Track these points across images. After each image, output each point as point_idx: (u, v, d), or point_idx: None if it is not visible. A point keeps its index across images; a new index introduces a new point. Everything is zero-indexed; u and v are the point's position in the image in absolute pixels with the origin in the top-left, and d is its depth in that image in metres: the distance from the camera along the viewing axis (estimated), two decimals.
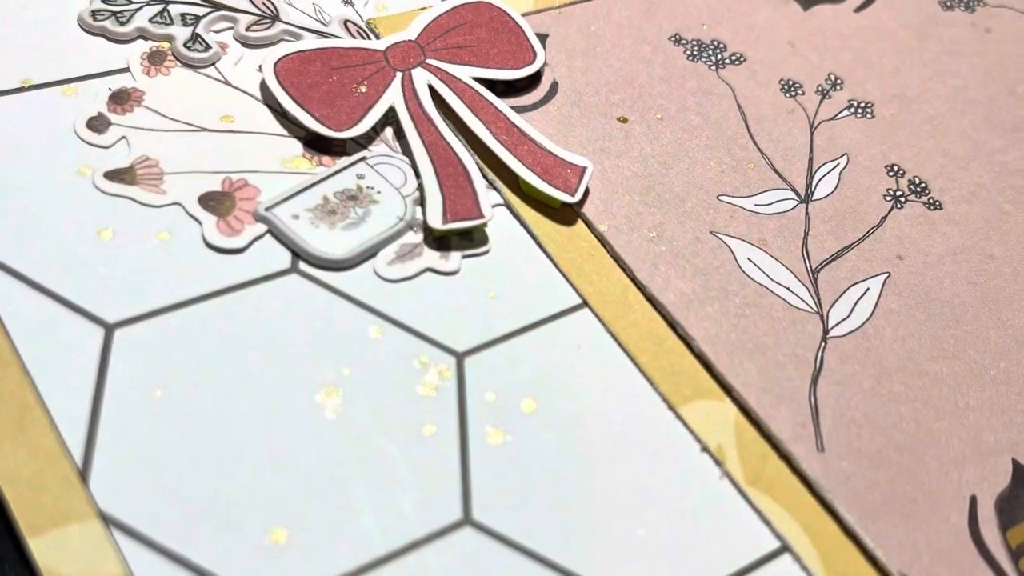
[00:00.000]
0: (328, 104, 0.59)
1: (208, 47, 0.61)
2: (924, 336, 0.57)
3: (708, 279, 0.57)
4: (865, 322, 0.57)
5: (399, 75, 0.61)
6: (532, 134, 0.60)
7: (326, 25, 0.64)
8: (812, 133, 0.65)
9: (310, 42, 0.61)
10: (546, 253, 0.57)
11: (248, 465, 0.47)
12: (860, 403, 0.54)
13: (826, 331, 0.56)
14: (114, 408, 0.47)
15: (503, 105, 0.61)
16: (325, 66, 0.60)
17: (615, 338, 0.54)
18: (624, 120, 0.63)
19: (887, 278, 0.59)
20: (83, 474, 0.45)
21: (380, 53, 0.62)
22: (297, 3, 0.65)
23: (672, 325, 0.55)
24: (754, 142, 0.64)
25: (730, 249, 0.58)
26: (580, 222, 0.58)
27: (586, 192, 0.59)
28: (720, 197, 0.61)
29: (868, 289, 0.58)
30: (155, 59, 0.60)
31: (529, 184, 0.58)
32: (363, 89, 0.60)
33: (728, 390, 0.53)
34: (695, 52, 0.68)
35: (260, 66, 0.61)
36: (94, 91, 0.58)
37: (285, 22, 0.63)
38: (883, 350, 0.56)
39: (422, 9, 0.67)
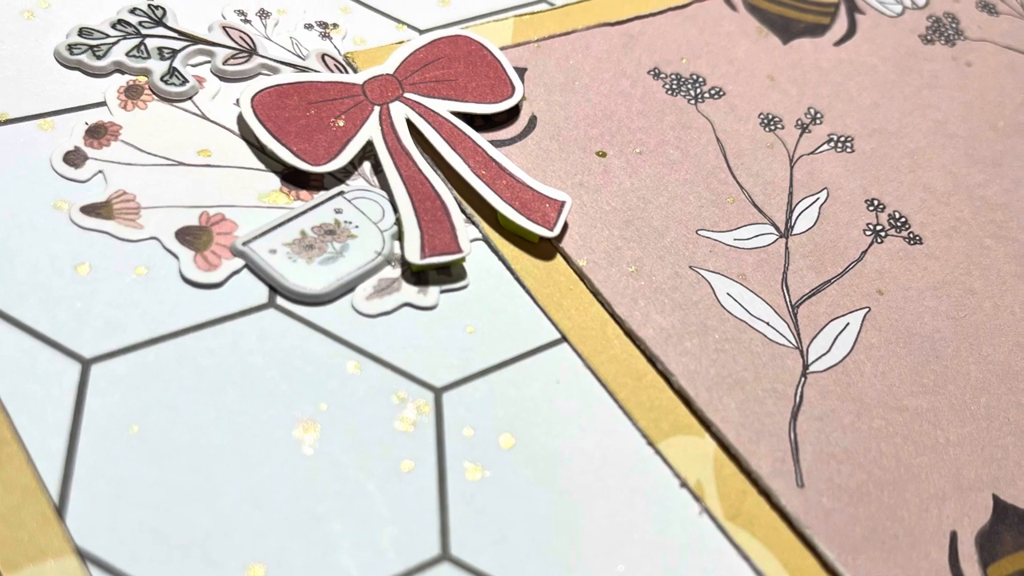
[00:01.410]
0: (305, 138, 0.59)
1: (185, 81, 0.62)
2: (904, 371, 0.58)
3: (687, 314, 0.58)
4: (845, 357, 0.58)
5: (377, 109, 0.62)
6: (510, 168, 0.60)
7: (304, 59, 0.65)
8: (792, 167, 0.66)
9: (287, 76, 0.62)
10: (524, 288, 0.57)
11: (225, 501, 0.47)
12: (840, 438, 0.55)
13: (806, 366, 0.57)
14: (91, 443, 0.48)
15: (481, 139, 0.61)
16: (302, 100, 0.61)
17: (594, 373, 0.55)
18: (603, 154, 0.64)
19: (867, 313, 0.60)
20: (59, 510, 0.46)
21: (358, 87, 0.63)
22: (274, 37, 0.66)
23: (651, 360, 0.56)
24: (733, 176, 0.65)
25: (709, 284, 0.59)
26: (559, 256, 0.59)
27: (565, 226, 0.60)
28: (699, 232, 0.61)
29: (848, 324, 0.59)
30: (132, 93, 0.61)
31: (507, 218, 0.59)
32: (341, 123, 0.61)
33: (707, 425, 0.54)
34: (674, 86, 0.69)
35: (237, 100, 0.62)
36: (71, 125, 0.59)
37: (262, 56, 0.64)
38: (863, 385, 0.57)
39: (400, 43, 0.67)
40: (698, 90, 0.70)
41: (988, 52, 0.79)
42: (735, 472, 0.53)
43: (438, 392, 0.53)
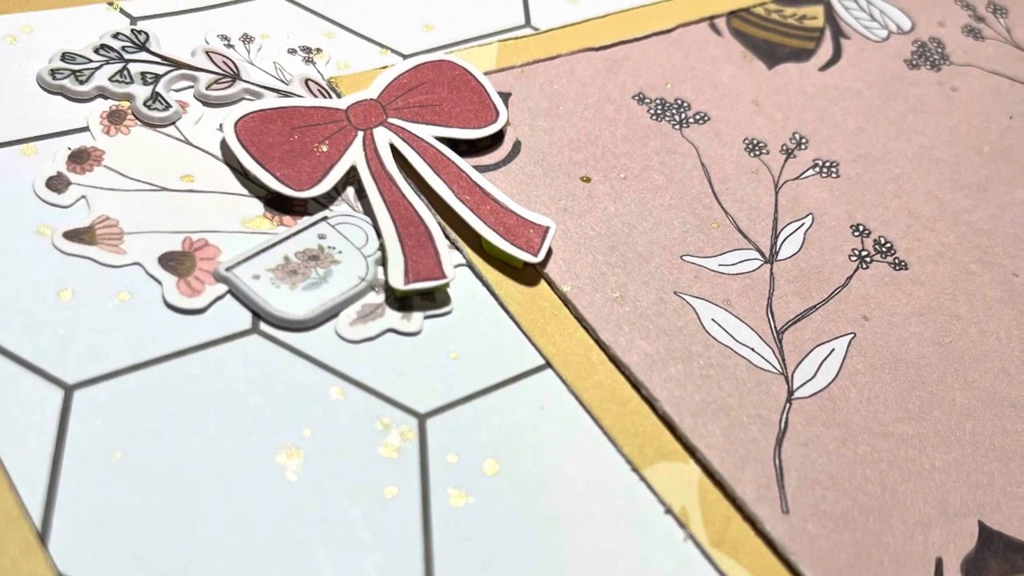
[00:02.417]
0: (289, 164, 0.60)
1: (168, 106, 0.62)
2: (890, 397, 0.59)
3: (672, 340, 0.58)
4: (830, 383, 0.59)
5: (360, 134, 0.62)
6: (494, 193, 0.61)
7: (287, 84, 0.65)
8: (777, 193, 0.67)
9: (271, 101, 0.63)
10: (508, 313, 0.58)
11: (209, 527, 0.48)
12: (825, 465, 0.55)
13: (791, 392, 0.57)
14: (73, 470, 0.48)
15: (465, 164, 0.62)
16: (286, 125, 0.62)
17: (578, 399, 0.55)
18: (587, 179, 0.65)
19: (852, 339, 0.61)
20: (42, 536, 0.46)
21: (341, 112, 0.63)
22: (258, 62, 0.66)
23: (636, 386, 0.56)
24: (718, 202, 0.65)
25: (694, 309, 0.60)
26: (543, 282, 0.59)
27: (549, 252, 0.61)
28: (684, 257, 0.62)
29: (833, 350, 0.60)
30: (115, 118, 0.62)
31: (492, 244, 0.59)
32: (324, 148, 0.61)
33: (692, 451, 0.54)
34: (659, 111, 0.70)
35: (221, 125, 0.62)
36: (53, 150, 0.59)
37: (246, 81, 0.65)
38: (848, 411, 0.58)
39: (384, 68, 0.68)
40: (683, 115, 0.70)
41: (974, 77, 0.80)
42: (720, 498, 0.53)
43: (422, 418, 0.53)
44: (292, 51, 0.68)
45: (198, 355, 0.53)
